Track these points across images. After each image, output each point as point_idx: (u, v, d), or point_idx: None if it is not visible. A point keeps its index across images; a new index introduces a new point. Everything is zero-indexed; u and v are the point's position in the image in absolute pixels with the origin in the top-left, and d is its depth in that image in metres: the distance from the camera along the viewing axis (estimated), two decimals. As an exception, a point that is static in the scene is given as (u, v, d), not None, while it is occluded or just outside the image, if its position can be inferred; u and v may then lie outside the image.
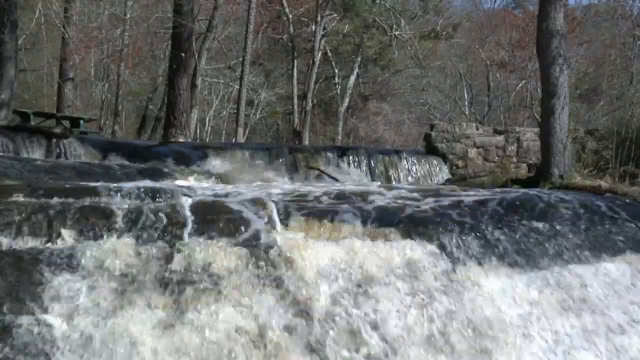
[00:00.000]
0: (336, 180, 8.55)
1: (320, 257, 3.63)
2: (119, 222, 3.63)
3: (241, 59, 16.44)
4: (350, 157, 9.71)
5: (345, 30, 21.49)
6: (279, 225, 3.90)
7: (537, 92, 16.31)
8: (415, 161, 10.11)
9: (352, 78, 22.05)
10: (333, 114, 22.95)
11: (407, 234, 4.00)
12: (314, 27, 18.58)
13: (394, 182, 9.39)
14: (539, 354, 3.46)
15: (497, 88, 23.22)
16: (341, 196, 4.57)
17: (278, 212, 4.02)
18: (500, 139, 10.74)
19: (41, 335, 2.91)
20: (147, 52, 19.16)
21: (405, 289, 3.59)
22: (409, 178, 9.81)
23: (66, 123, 11.52)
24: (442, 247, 3.97)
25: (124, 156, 7.84)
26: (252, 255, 3.53)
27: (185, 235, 3.65)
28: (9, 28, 9.94)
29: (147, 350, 2.96)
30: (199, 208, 3.96)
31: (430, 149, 10.63)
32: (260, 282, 3.40)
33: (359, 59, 21.89)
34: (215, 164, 8.37)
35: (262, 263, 3.50)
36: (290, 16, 18.80)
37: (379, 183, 8.30)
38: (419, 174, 9.98)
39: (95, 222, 3.60)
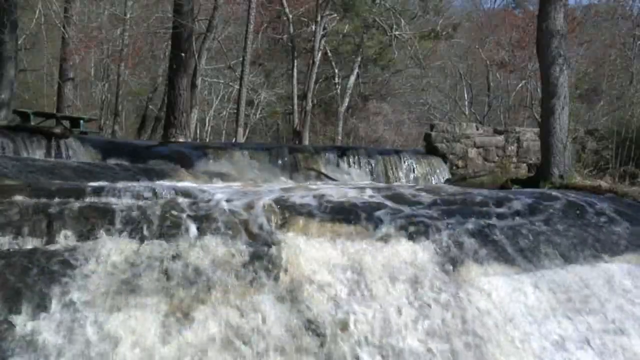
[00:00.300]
0: (335, 180, 8.56)
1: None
2: (119, 222, 3.63)
3: (241, 59, 16.44)
4: (350, 157, 9.71)
5: (345, 30, 21.48)
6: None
7: (537, 92, 16.30)
8: (415, 161, 10.11)
9: (352, 78, 22.05)
10: (333, 114, 22.94)
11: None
12: (314, 27, 18.57)
13: (394, 182, 9.38)
14: (539, 353, 3.46)
15: (497, 88, 23.21)
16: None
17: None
18: (500, 139, 10.74)
19: (41, 334, 2.91)
20: (147, 52, 19.16)
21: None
22: (410, 178, 9.80)
23: (66, 123, 11.51)
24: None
25: (124, 156, 7.84)
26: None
27: (186, 234, 3.65)
28: (9, 28, 9.93)
29: (147, 350, 2.96)
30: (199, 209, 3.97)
31: (430, 149, 10.63)
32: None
33: (359, 59, 21.89)
34: (215, 164, 8.37)
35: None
36: (290, 16, 18.79)
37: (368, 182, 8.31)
38: (419, 174, 9.97)
39: (96, 222, 3.60)
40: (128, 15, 16.68)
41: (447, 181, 9.16)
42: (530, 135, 10.69)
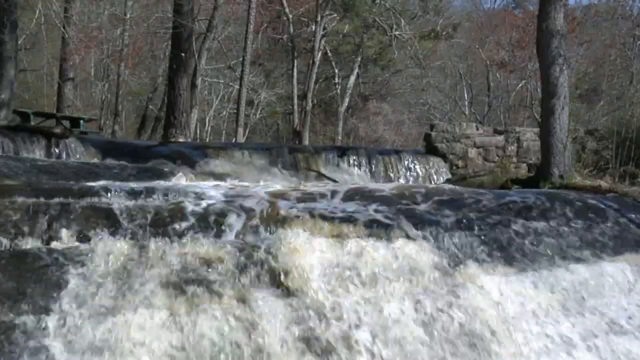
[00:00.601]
0: (334, 181, 8.55)
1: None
2: (119, 222, 3.63)
3: (241, 59, 16.44)
4: (351, 158, 9.70)
5: (345, 30, 21.47)
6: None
7: (537, 92, 16.30)
8: (415, 161, 10.11)
9: (352, 78, 22.05)
10: (333, 114, 22.94)
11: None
12: (314, 27, 18.57)
13: (394, 182, 9.38)
14: (539, 353, 3.46)
15: (497, 88, 23.21)
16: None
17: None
18: (500, 139, 10.74)
19: (41, 334, 2.91)
20: (147, 52, 19.15)
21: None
22: (409, 178, 9.80)
23: (66, 123, 11.51)
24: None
25: (124, 156, 7.84)
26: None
27: (187, 234, 3.65)
28: (9, 28, 9.93)
29: (148, 350, 2.96)
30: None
31: (430, 149, 10.63)
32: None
33: (359, 59, 21.88)
34: (216, 164, 8.37)
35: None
36: (290, 16, 18.79)
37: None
38: (418, 173, 9.97)
39: (96, 221, 3.60)
40: (128, 15, 16.68)
41: (447, 181, 9.15)
42: (530, 135, 10.69)
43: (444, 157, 10.45)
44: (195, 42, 14.91)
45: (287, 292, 3.36)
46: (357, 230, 3.98)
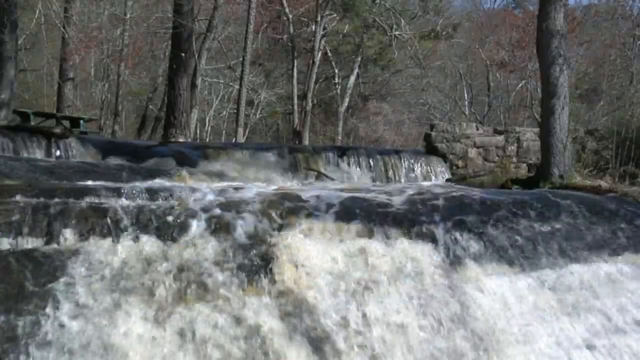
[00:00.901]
0: (335, 181, 8.57)
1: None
2: (119, 221, 3.63)
3: (241, 59, 16.43)
4: (351, 158, 9.70)
5: (345, 30, 21.47)
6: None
7: (537, 92, 16.30)
8: (415, 161, 10.10)
9: (352, 78, 22.04)
10: (333, 114, 22.94)
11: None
12: (314, 27, 18.57)
13: (394, 182, 9.38)
14: (539, 353, 3.46)
15: (497, 88, 23.21)
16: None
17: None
18: (500, 139, 10.73)
19: (41, 334, 2.91)
20: (147, 52, 19.15)
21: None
22: (409, 178, 9.80)
23: (66, 123, 11.50)
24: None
25: (124, 156, 7.83)
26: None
27: (187, 234, 3.65)
28: (9, 28, 9.92)
29: (148, 350, 2.96)
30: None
31: (430, 149, 10.62)
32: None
33: (359, 59, 21.88)
34: (216, 164, 8.36)
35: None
36: (290, 16, 18.79)
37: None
38: (418, 174, 9.97)
39: (96, 221, 3.60)
40: (128, 15, 16.67)
41: (447, 181, 9.15)
42: (530, 135, 10.68)
43: (444, 157, 10.44)
44: (195, 42, 14.91)
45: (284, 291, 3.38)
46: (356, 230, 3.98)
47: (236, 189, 4.73)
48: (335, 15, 20.08)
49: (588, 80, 19.52)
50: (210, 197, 4.23)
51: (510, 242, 4.21)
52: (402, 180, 9.67)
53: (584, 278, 4.04)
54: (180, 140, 12.03)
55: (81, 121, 11.83)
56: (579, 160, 8.71)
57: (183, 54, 12.68)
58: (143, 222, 3.67)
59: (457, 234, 4.13)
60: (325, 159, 9.49)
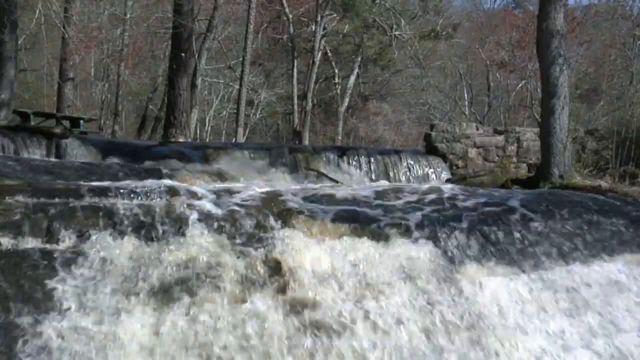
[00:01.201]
0: (335, 181, 8.56)
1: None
2: (119, 222, 3.63)
3: (241, 59, 16.44)
4: (351, 158, 9.71)
5: (345, 30, 21.48)
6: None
7: (537, 92, 16.31)
8: (415, 161, 10.11)
9: (352, 78, 22.05)
10: (333, 114, 22.95)
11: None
12: (314, 27, 18.58)
13: (394, 182, 9.38)
14: (539, 353, 3.46)
15: (497, 88, 23.22)
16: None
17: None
18: (500, 139, 10.74)
19: (41, 335, 2.91)
20: (147, 52, 19.16)
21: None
22: (409, 178, 9.80)
23: (66, 123, 11.51)
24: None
25: (124, 156, 7.84)
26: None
27: (187, 234, 3.65)
28: (9, 28, 9.93)
29: (149, 350, 2.97)
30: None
31: (430, 149, 10.63)
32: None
33: (359, 59, 21.89)
34: (216, 164, 8.37)
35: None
36: (290, 16, 18.79)
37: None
38: (418, 174, 9.97)
39: (96, 221, 3.60)
40: (128, 15, 16.68)
41: (447, 181, 9.16)
42: (530, 135, 10.69)
43: (444, 157, 10.45)
44: (195, 42, 14.92)
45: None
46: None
47: (236, 189, 4.73)
48: (335, 15, 20.09)
49: (588, 80, 19.54)
50: (210, 197, 4.23)
51: (510, 242, 4.21)
52: (402, 180, 9.67)
53: (584, 278, 4.04)
54: (180, 140, 12.04)
55: (81, 121, 11.84)
56: (579, 160, 8.72)
57: (183, 54, 12.69)
58: (143, 222, 3.67)
59: (457, 234, 4.13)
60: (325, 159, 9.50)
